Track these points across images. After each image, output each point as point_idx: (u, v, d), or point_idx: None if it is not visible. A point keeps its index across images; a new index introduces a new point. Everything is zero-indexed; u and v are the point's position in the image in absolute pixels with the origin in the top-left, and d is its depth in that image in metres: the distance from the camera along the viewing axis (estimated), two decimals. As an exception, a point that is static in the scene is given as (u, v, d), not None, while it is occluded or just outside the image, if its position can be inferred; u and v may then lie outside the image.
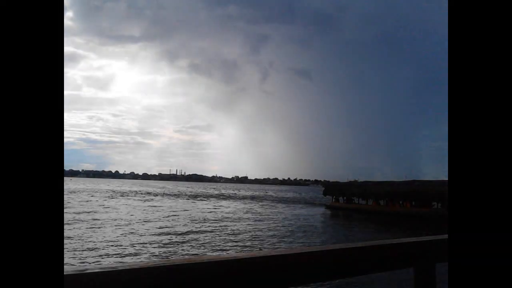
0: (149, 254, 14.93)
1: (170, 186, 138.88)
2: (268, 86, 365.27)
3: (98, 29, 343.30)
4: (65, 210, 23.59)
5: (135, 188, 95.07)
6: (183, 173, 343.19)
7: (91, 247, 15.85)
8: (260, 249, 15.94)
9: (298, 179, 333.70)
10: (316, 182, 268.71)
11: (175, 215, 30.33)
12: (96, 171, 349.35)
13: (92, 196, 53.87)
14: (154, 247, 16.26)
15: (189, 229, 22.14)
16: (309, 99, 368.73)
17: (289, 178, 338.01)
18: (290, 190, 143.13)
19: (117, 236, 18.75)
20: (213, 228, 23.28)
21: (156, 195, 65.64)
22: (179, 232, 20.76)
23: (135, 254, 14.82)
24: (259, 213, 36.41)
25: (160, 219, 27.45)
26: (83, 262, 13.20)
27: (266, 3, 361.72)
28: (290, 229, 24.12)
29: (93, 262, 13.14)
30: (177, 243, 17.57)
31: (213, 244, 17.58)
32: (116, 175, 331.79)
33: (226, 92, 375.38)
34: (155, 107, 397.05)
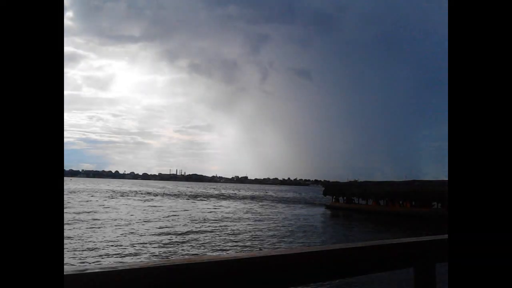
0: (149, 254, 14.92)
1: (170, 186, 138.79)
2: (268, 86, 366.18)
3: (98, 29, 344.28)
4: (65, 210, 23.58)
5: (135, 188, 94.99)
6: (183, 173, 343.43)
7: (91, 247, 15.83)
8: (260, 249, 15.94)
9: (298, 179, 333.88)
10: (316, 182, 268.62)
11: (175, 215, 30.30)
12: (96, 171, 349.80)
13: (92, 196, 53.83)
14: (154, 247, 16.25)
15: (189, 229, 22.12)
16: (309, 99, 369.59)
17: (289, 178, 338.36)
18: (290, 190, 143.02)
19: (117, 236, 18.74)
20: (213, 228, 23.26)
21: (156, 195, 65.60)
22: (179, 232, 20.74)
23: (135, 254, 14.81)
24: (259, 213, 36.37)
25: (160, 219, 27.42)
26: (83, 262, 13.19)
27: (266, 3, 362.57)
28: (290, 229, 24.10)
29: (93, 262, 13.13)
30: (177, 243, 17.56)
31: (213, 244, 17.56)
32: (116, 175, 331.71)
33: (226, 92, 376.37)
34: (155, 107, 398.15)
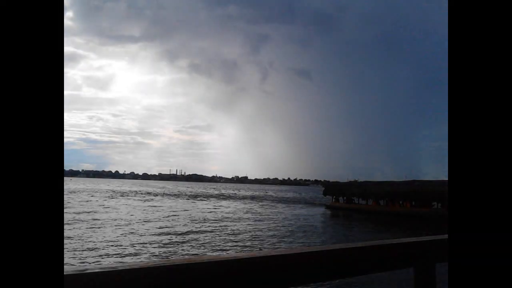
0: (149, 254, 14.92)
1: (170, 186, 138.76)
2: (268, 86, 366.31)
3: (98, 29, 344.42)
4: (65, 210, 23.58)
5: (135, 188, 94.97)
6: (183, 173, 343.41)
7: (91, 247, 15.83)
8: (260, 249, 15.93)
9: (298, 179, 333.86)
10: (316, 182, 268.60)
11: (175, 215, 30.30)
12: (96, 171, 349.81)
13: (92, 196, 53.82)
14: (154, 247, 16.25)
15: (189, 229, 22.11)
16: (309, 99, 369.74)
17: (289, 178, 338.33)
18: (290, 190, 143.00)
19: (117, 236, 18.74)
20: (213, 228, 23.25)
21: (156, 195, 65.58)
22: (179, 232, 20.74)
23: (135, 254, 14.80)
24: (259, 213, 36.37)
25: (160, 219, 27.42)
26: (83, 262, 13.19)
27: (266, 3, 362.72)
28: (290, 229, 24.10)
29: (93, 262, 13.13)
30: (177, 243, 17.56)
31: (213, 244, 17.56)
32: (116, 175, 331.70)
33: (226, 92, 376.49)
34: (155, 107, 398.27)
